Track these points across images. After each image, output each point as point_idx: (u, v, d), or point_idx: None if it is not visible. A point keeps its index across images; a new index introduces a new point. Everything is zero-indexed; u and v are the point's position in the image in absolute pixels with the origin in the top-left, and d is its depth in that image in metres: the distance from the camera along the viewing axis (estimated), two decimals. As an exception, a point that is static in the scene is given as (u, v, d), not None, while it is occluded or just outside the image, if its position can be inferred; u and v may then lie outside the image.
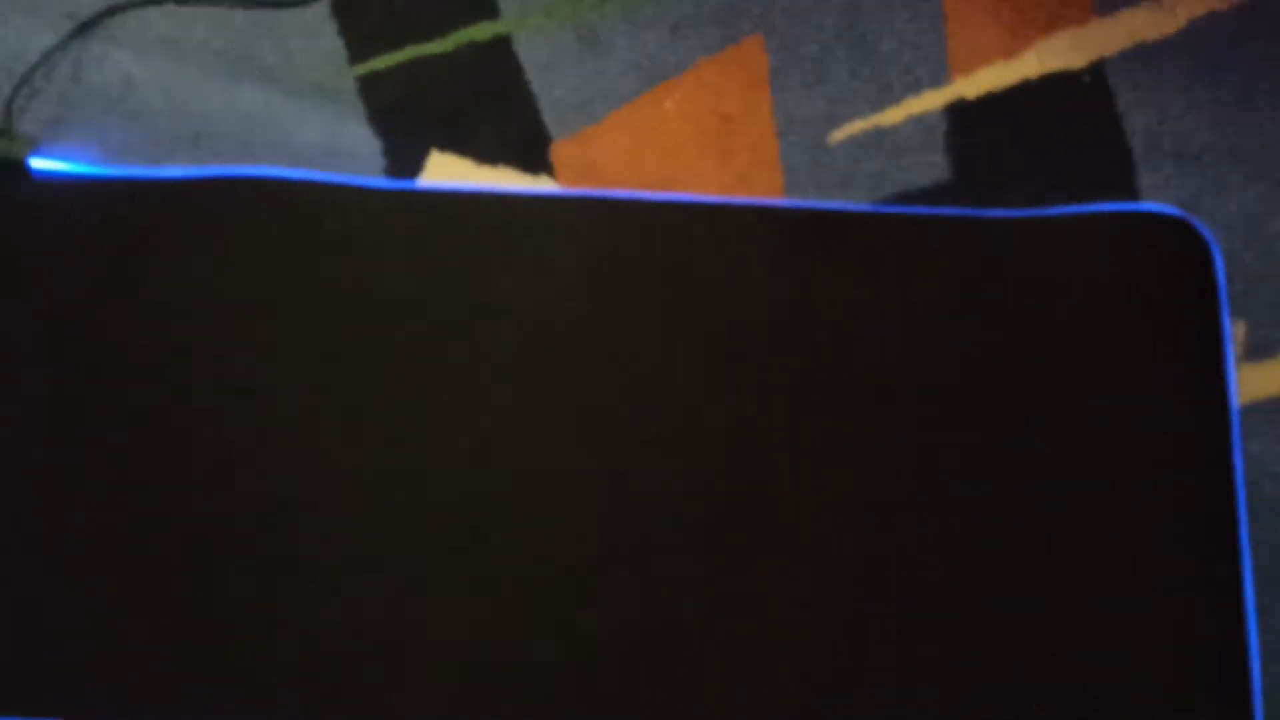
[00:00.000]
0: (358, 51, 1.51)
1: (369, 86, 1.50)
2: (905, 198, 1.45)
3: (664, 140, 1.48)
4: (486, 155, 1.47)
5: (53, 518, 1.32)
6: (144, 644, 1.29)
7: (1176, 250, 1.40)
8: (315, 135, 1.47)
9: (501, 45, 1.51)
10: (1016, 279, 1.40)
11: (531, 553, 1.31)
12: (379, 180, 1.45)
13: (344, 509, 1.33)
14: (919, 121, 1.48)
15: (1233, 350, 1.36)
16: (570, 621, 1.30)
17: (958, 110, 1.48)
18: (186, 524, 1.32)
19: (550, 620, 1.30)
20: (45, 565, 1.31)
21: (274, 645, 1.29)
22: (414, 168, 1.47)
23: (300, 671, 1.28)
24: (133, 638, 1.29)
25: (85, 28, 1.51)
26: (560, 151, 1.47)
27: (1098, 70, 1.49)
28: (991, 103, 1.48)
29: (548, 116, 1.48)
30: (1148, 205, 1.43)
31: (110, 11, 1.52)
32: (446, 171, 1.46)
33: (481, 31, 1.52)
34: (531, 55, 1.51)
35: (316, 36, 1.52)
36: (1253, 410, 1.36)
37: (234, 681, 1.28)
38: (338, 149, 1.47)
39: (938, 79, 1.49)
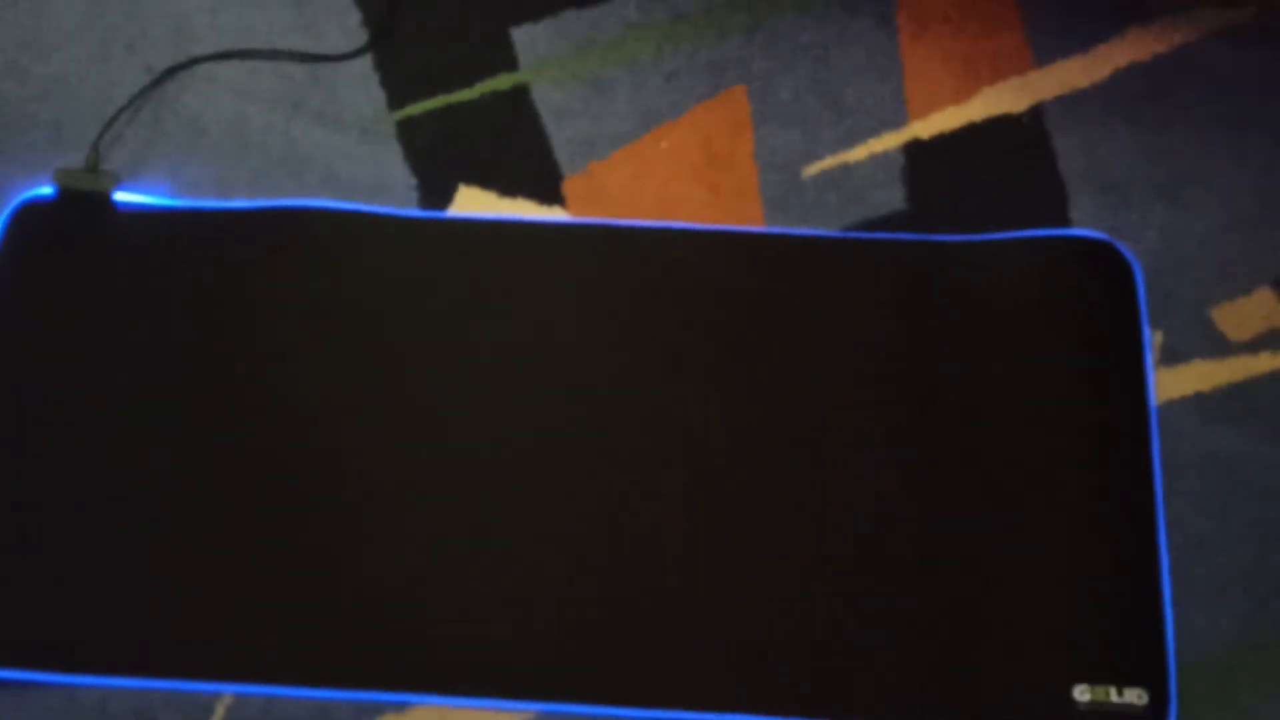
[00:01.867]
0: (396, 99, 1.53)
1: (406, 129, 1.51)
2: (868, 224, 1.45)
3: (660, 175, 1.48)
4: (507, 188, 1.48)
5: (126, 499, 1.34)
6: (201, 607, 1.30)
7: (1102, 270, 1.41)
8: (360, 171, 1.49)
9: (520, 93, 1.52)
10: (964, 295, 1.41)
11: (540, 534, 1.32)
12: (414, 211, 1.47)
13: (378, 492, 1.34)
14: (880, 159, 1.49)
15: (1151, 356, 1.37)
16: (572, 596, 1.30)
17: (914, 149, 1.49)
18: (242, 507, 1.33)
19: (554, 596, 1.30)
20: (129, 532, 1.32)
21: (329, 610, 1.30)
22: (444, 199, 1.48)
23: (334, 639, 1.29)
24: (201, 602, 1.30)
25: (162, 79, 1.53)
26: (571, 185, 1.48)
27: (1036, 114, 1.50)
28: (943, 142, 1.49)
29: (560, 155, 1.49)
30: (1078, 231, 1.43)
31: (184, 65, 1.54)
32: (472, 203, 1.47)
33: (503, 82, 1.53)
34: (546, 102, 1.52)
35: (361, 86, 1.53)
36: (1168, 408, 1.36)
37: (271, 650, 1.29)
38: (379, 183, 1.48)
39: (896, 122, 1.50)
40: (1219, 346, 1.40)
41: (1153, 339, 1.39)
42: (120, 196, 1.47)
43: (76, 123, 1.52)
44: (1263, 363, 1.39)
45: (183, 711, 1.27)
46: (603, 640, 1.29)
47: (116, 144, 1.51)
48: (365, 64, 1.55)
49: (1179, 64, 1.52)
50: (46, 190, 1.47)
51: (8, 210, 1.46)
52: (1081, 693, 1.24)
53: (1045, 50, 1.54)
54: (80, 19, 1.58)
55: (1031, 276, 1.43)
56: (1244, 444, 1.36)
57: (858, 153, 1.50)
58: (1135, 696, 1.24)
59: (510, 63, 1.55)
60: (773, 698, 1.27)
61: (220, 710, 1.27)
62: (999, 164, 1.49)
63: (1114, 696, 1.24)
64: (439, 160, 1.50)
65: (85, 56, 1.56)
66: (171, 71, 1.54)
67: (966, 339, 1.40)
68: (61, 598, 1.31)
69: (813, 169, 1.49)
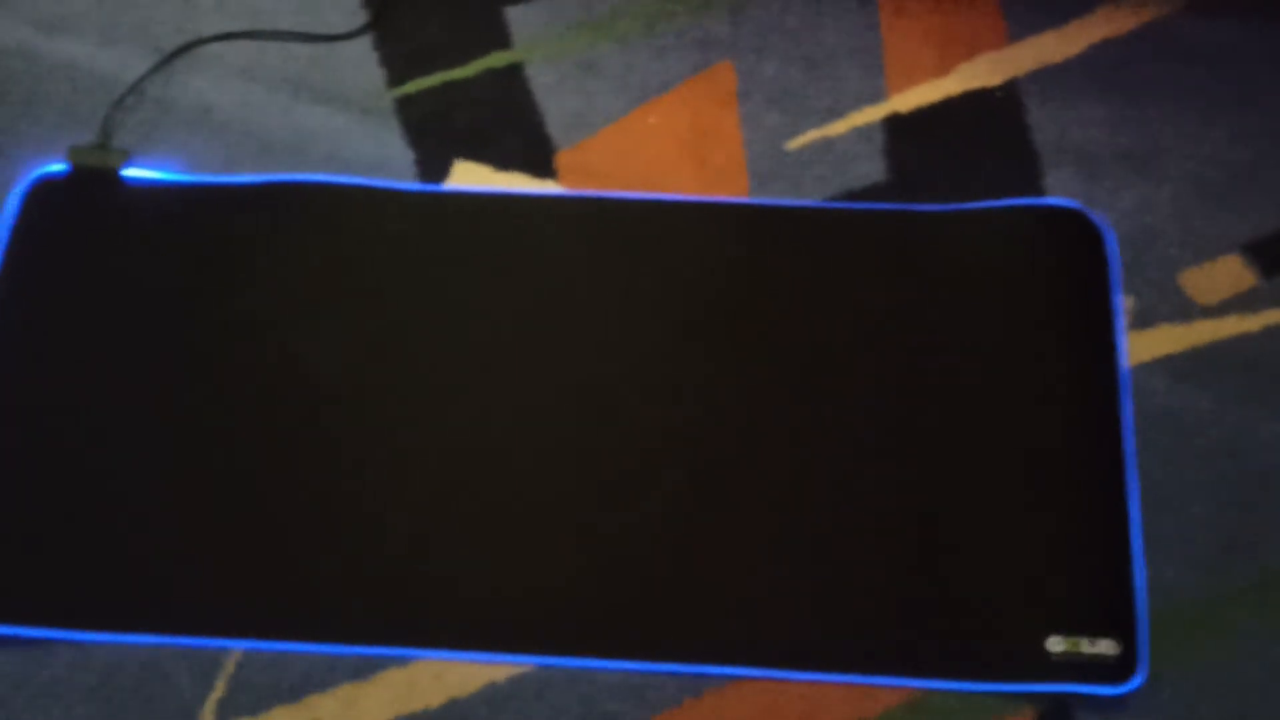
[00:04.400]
0: (395, 77, 1.52)
1: (404, 106, 1.51)
2: (850, 195, 1.45)
3: (650, 149, 1.48)
4: (502, 163, 1.48)
5: (136, 464, 1.33)
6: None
7: (1076, 237, 1.41)
8: (360, 147, 1.48)
9: (514, 71, 1.52)
10: (942, 261, 1.41)
11: (535, 495, 1.32)
12: (412, 184, 1.46)
13: (380, 456, 1.33)
14: (861, 132, 1.48)
15: (1123, 320, 1.37)
16: (565, 555, 1.30)
17: (893, 122, 1.48)
18: (248, 473, 1.33)
19: (547, 555, 1.30)
20: (154, 497, 1.32)
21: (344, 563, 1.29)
22: (441, 174, 1.47)
23: (359, 587, 1.29)
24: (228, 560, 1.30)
25: (170, 59, 1.53)
26: (563, 159, 1.47)
27: (1011, 88, 1.49)
28: (922, 116, 1.49)
29: (553, 130, 1.49)
30: (1052, 200, 1.43)
31: (191, 45, 1.54)
32: (469, 177, 1.47)
33: (497, 60, 1.53)
34: (539, 79, 1.51)
35: (361, 65, 1.53)
36: (1139, 370, 1.35)
37: (277, 608, 1.29)
38: (379, 158, 1.48)
39: (877, 96, 1.50)
40: (1187, 310, 1.39)
41: (1124, 303, 1.38)
42: (130, 172, 1.47)
43: (87, 102, 1.52)
44: (1229, 326, 1.38)
45: (193, 667, 1.26)
46: (595, 596, 1.29)
47: (126, 122, 1.51)
48: (365, 44, 1.56)
49: (1149, 38, 1.52)
50: (59, 167, 1.47)
51: (23, 186, 1.46)
52: (1055, 643, 1.23)
53: (1020, 26, 1.54)
54: (90, 1, 1.58)
55: (1007, 244, 1.43)
56: (1211, 404, 1.34)
57: (839, 126, 1.49)
58: (1107, 646, 1.23)
59: (504, 41, 1.55)
60: (757, 650, 1.26)
61: (229, 665, 1.26)
62: (976, 136, 1.49)
63: (1086, 647, 1.23)
64: (436, 136, 1.50)
65: (95, 37, 1.56)
66: (178, 52, 1.55)
67: (945, 303, 1.39)
68: (75, 558, 1.29)
69: (796, 142, 1.49)
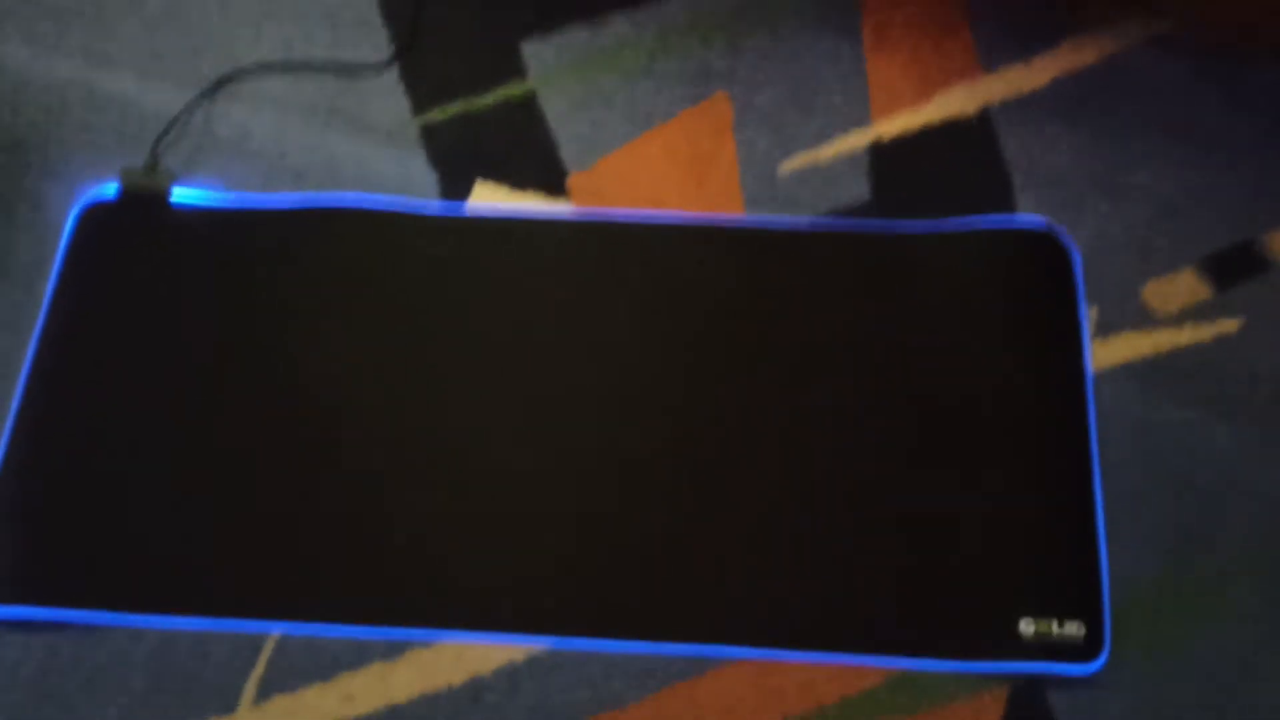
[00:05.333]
0: (419, 106, 1.52)
1: (428, 132, 1.50)
2: (837, 214, 1.45)
3: (653, 171, 1.48)
4: (518, 184, 1.47)
5: (184, 462, 1.33)
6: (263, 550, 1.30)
7: (1044, 253, 1.41)
8: (387, 170, 1.48)
9: (529, 100, 1.52)
10: (922, 275, 1.41)
11: (547, 489, 1.32)
12: (435, 204, 1.46)
13: (405, 455, 1.33)
14: (847, 156, 1.48)
15: (1088, 329, 1.37)
16: (576, 543, 1.30)
17: (877, 147, 1.48)
18: (286, 470, 1.33)
19: (560, 544, 1.30)
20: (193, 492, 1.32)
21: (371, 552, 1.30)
22: (462, 194, 1.47)
23: (380, 571, 1.29)
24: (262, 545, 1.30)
25: (212, 89, 1.53)
26: (574, 181, 1.47)
27: (984, 116, 1.49)
28: (903, 141, 1.48)
29: (565, 154, 1.49)
30: (1022, 219, 1.43)
31: (231, 76, 1.54)
32: (488, 197, 1.47)
33: (514, 90, 1.53)
34: (552, 107, 1.51)
35: (388, 95, 1.53)
36: (1103, 375, 1.36)
37: (313, 593, 1.29)
38: (404, 180, 1.47)
39: (861, 123, 1.49)
40: (1147, 320, 1.39)
41: (1089, 314, 1.39)
42: (177, 194, 1.47)
43: (136, 129, 1.51)
44: (1186, 335, 1.38)
45: (236, 648, 1.27)
46: (604, 583, 1.29)
47: (172, 147, 1.50)
48: (392, 75, 1.55)
49: (1109, 71, 1.52)
50: (111, 189, 1.47)
51: (77, 207, 1.46)
52: (1027, 625, 1.24)
53: (992, 59, 1.53)
54: (139, 36, 1.58)
55: (982, 259, 1.43)
56: (1169, 406, 1.35)
57: (827, 151, 1.49)
58: (1074, 629, 1.24)
59: (520, 72, 1.55)
60: (751, 632, 1.27)
61: (269, 646, 1.27)
62: (952, 160, 1.48)
63: (1055, 629, 1.24)
64: (457, 159, 1.50)
65: (143, 70, 1.56)
66: (220, 83, 1.54)
67: (925, 313, 1.40)
68: (128, 549, 1.30)
69: (788, 166, 1.49)
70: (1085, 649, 1.23)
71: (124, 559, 1.30)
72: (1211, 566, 1.28)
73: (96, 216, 1.45)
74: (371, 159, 1.49)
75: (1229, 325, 1.38)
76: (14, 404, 1.36)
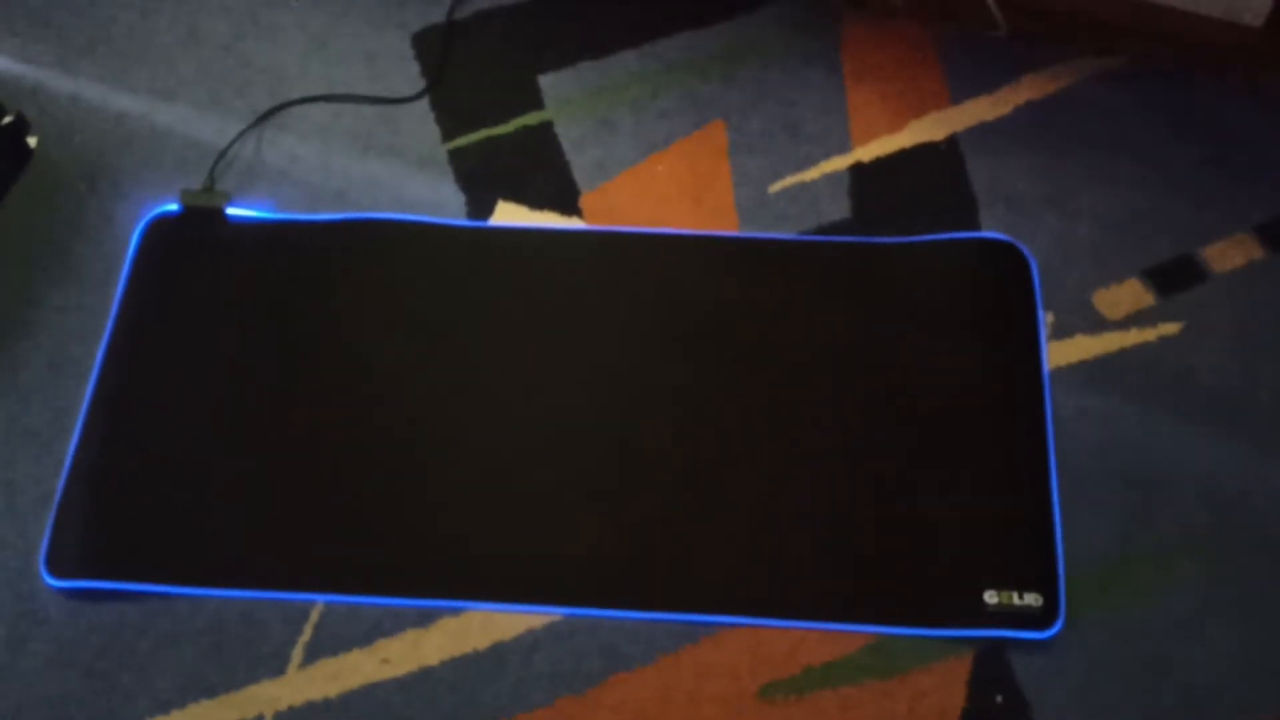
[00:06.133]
0: (448, 133, 1.53)
1: (456, 157, 1.52)
2: (820, 230, 1.45)
3: (657, 192, 1.49)
4: (536, 203, 1.48)
5: (238, 450, 1.34)
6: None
7: (1006, 264, 1.42)
8: (419, 191, 1.49)
9: (546, 128, 1.53)
10: (897, 283, 1.41)
11: (564, 473, 1.33)
12: (462, 221, 1.47)
13: (437, 442, 1.34)
14: (830, 177, 1.49)
15: (1045, 332, 1.38)
16: (591, 522, 1.31)
17: (857, 170, 1.49)
18: (329, 457, 1.34)
19: (576, 521, 1.31)
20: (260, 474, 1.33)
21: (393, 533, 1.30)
22: (486, 212, 1.48)
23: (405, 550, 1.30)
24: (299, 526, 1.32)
25: (262, 119, 1.54)
26: (587, 200, 1.48)
27: (953, 142, 1.50)
28: (880, 164, 1.49)
29: (578, 176, 1.50)
30: (986, 234, 1.44)
31: (279, 108, 1.55)
32: (509, 215, 1.47)
33: (532, 119, 1.54)
34: (567, 134, 1.52)
35: (420, 123, 1.54)
36: (1058, 373, 1.36)
37: (353, 566, 1.29)
38: (434, 200, 1.49)
39: (843, 148, 1.51)
40: (1098, 324, 1.40)
41: (1045, 318, 1.39)
42: (232, 211, 1.47)
43: (195, 154, 1.53)
44: (1131, 337, 1.39)
45: (285, 616, 1.28)
46: (613, 559, 1.30)
47: (227, 171, 1.51)
48: (423, 106, 1.56)
49: (1064, 102, 1.53)
50: (173, 207, 1.48)
51: (143, 223, 1.47)
52: (990, 596, 1.25)
53: (960, 91, 1.54)
54: (196, 70, 1.60)
55: (950, 269, 1.43)
56: (1117, 400, 1.36)
57: (812, 173, 1.50)
58: (1032, 600, 1.25)
59: (537, 103, 1.56)
60: (743, 602, 1.28)
61: (314, 615, 1.28)
62: (924, 181, 1.50)
63: (1015, 600, 1.25)
64: (482, 181, 1.51)
65: (202, 100, 1.57)
66: (269, 113, 1.55)
67: (899, 317, 1.40)
68: (188, 528, 1.32)
69: (777, 186, 1.49)
70: (1042, 617, 1.24)
71: (185, 538, 1.31)
72: (1154, 544, 1.29)
73: (160, 230, 1.46)
74: (405, 181, 1.50)
75: (1171, 328, 1.39)
76: (86, 399, 1.37)
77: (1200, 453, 1.33)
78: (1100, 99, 1.53)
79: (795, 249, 1.45)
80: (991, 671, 1.24)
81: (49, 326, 1.43)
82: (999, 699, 1.23)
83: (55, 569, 1.29)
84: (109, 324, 1.41)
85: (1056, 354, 1.38)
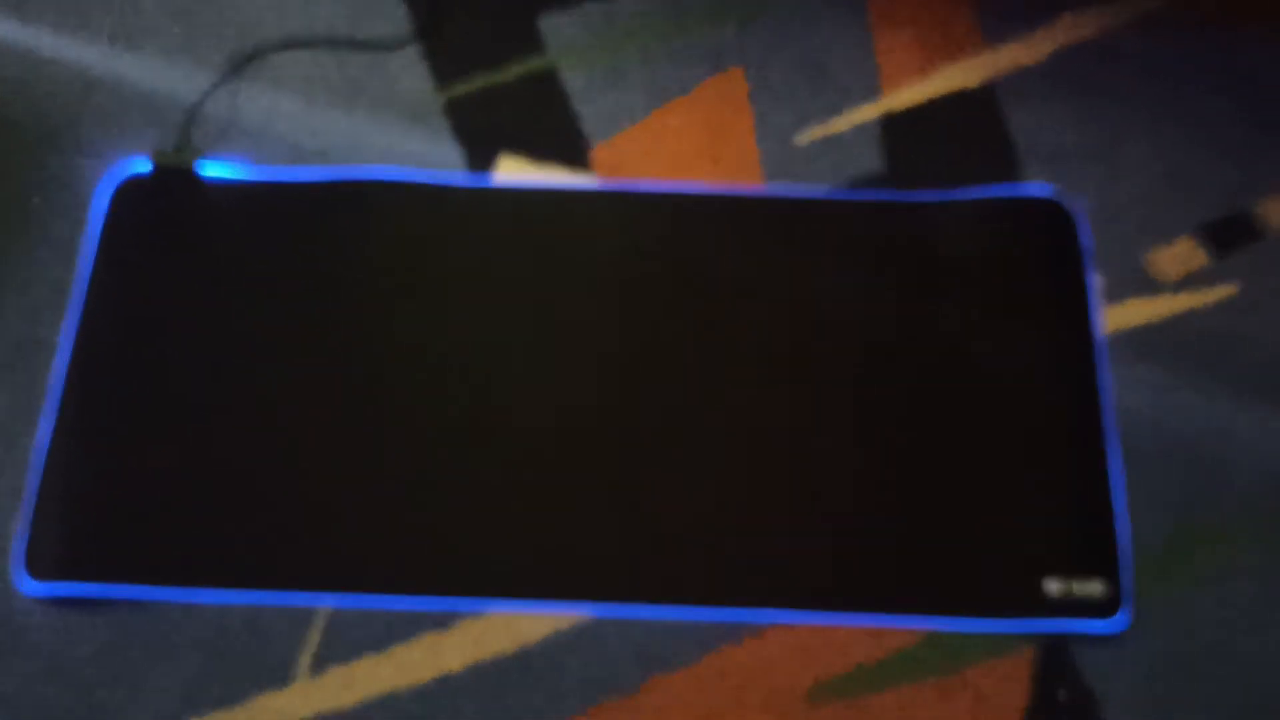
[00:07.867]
0: (442, 82, 1.47)
1: (452, 108, 1.46)
2: (851, 184, 1.41)
3: (672, 144, 1.44)
4: (541, 157, 1.43)
5: (237, 445, 1.29)
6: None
7: (1051, 222, 1.38)
8: (412, 145, 1.44)
9: (549, 76, 1.48)
10: (935, 243, 1.37)
11: (577, 461, 1.28)
12: (461, 176, 1.42)
13: (450, 434, 1.29)
14: (860, 128, 1.44)
15: (1096, 296, 1.34)
16: (606, 520, 1.26)
17: (888, 119, 1.45)
18: (334, 448, 1.28)
19: (591, 521, 1.26)
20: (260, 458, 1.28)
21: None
22: (487, 167, 1.43)
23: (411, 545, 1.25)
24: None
25: (237, 68, 1.48)
26: (596, 154, 1.43)
27: (989, 89, 1.46)
28: (913, 113, 1.45)
29: (586, 128, 1.45)
30: (1030, 188, 1.40)
31: (255, 56, 1.49)
32: (512, 170, 1.43)
33: (533, 65, 1.48)
34: (572, 83, 1.47)
35: (412, 72, 1.48)
36: (1110, 340, 1.33)
37: (362, 566, 1.25)
38: (429, 155, 1.43)
39: (873, 96, 1.46)
40: (1151, 287, 1.36)
41: (1096, 282, 1.36)
42: (207, 170, 1.42)
43: (166, 108, 1.46)
44: (1186, 300, 1.36)
45: (290, 622, 1.23)
46: (643, 554, 1.25)
47: (201, 126, 1.46)
48: (414, 53, 1.50)
49: (1104, 46, 1.48)
50: (144, 167, 1.42)
51: (112, 184, 1.41)
52: (1051, 585, 1.22)
53: (994, 34, 1.50)
54: (167, 16, 1.53)
55: (992, 228, 1.39)
56: (1173, 370, 1.32)
57: (840, 124, 1.45)
58: (1096, 587, 1.22)
59: (538, 48, 1.50)
60: (785, 596, 1.24)
61: (321, 619, 1.23)
62: (961, 131, 1.45)
63: (1078, 587, 1.22)
64: (481, 134, 1.45)
65: (173, 49, 1.51)
66: (244, 62, 1.49)
67: (939, 280, 1.36)
68: (184, 527, 1.26)
69: (803, 138, 1.45)
70: (1106, 606, 1.21)
71: (180, 537, 1.26)
72: (1220, 524, 1.26)
73: (130, 192, 1.41)
74: (396, 135, 1.45)
75: (1228, 290, 1.35)
76: (58, 381, 1.31)
77: (1262, 426, 1.30)
78: (1140, 44, 1.48)
79: (825, 207, 1.40)
80: (1055, 665, 1.21)
81: (9, 305, 1.37)
82: (1061, 694, 1.20)
83: (35, 570, 1.24)
84: (78, 297, 1.35)
85: (1109, 319, 1.34)
